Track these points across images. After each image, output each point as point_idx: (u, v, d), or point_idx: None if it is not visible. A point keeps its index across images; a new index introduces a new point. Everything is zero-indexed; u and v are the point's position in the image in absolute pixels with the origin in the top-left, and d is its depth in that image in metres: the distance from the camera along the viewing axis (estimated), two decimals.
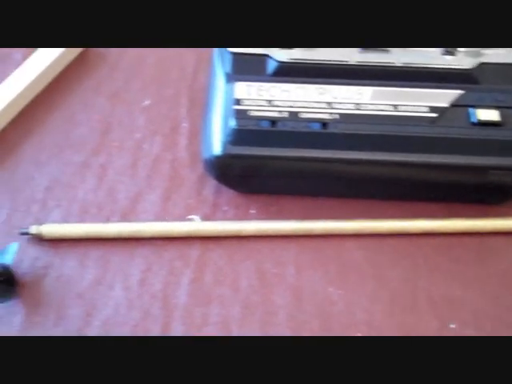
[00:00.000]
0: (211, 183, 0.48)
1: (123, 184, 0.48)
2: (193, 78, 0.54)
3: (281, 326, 0.42)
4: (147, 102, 0.52)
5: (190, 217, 0.46)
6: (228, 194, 0.47)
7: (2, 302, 0.42)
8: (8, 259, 0.42)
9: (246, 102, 0.44)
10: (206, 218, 0.46)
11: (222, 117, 0.44)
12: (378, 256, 0.45)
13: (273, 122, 0.43)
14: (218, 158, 0.44)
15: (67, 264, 0.44)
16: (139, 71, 0.54)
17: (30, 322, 0.42)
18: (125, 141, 0.50)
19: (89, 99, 0.52)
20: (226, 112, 0.44)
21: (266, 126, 0.43)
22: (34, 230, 0.44)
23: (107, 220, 0.46)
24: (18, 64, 0.53)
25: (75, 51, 0.54)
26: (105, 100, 0.52)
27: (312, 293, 0.43)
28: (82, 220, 0.46)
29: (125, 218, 0.46)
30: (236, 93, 0.44)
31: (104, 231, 0.45)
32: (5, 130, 0.50)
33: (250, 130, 0.43)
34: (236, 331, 0.41)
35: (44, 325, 0.42)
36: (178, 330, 0.41)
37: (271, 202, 0.47)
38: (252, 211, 0.46)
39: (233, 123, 0.43)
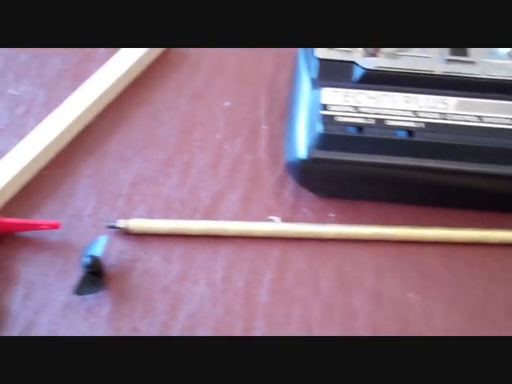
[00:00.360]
0: (290, 185, 0.49)
1: (205, 183, 0.49)
2: (272, 81, 0.55)
3: (360, 329, 0.43)
4: (227, 103, 0.53)
5: (270, 217, 0.47)
6: (307, 196, 0.48)
7: (91, 293, 0.44)
8: (97, 251, 0.44)
9: (333, 108, 0.45)
10: (285, 219, 0.47)
11: (308, 121, 0.45)
12: (457, 264, 0.45)
13: (359, 128, 0.44)
14: (302, 161, 0.45)
15: (153, 258, 0.45)
16: (219, 72, 0.55)
17: (118, 313, 0.43)
18: (206, 141, 0.51)
19: (171, 99, 0.54)
20: (311, 117, 0.45)
21: (352, 131, 0.44)
22: (121, 223, 0.46)
23: (190, 217, 0.47)
24: (101, 61, 0.55)
25: (157, 51, 0.56)
26: (186, 100, 0.53)
27: (391, 297, 0.44)
28: (165, 216, 0.47)
29: (207, 215, 0.47)
30: (323, 98, 0.45)
31: (189, 228, 0.46)
32: (90, 125, 0.52)
33: (336, 136, 0.44)
34: (317, 332, 0.42)
35: (131, 317, 0.43)
36: (260, 327, 0.42)
37: (350, 207, 0.48)
38: (331, 215, 0.47)
39: (319, 128, 0.44)
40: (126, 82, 0.54)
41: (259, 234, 0.46)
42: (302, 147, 0.45)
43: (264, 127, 0.52)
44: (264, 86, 0.55)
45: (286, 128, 0.49)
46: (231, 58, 0.56)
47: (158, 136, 0.51)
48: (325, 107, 0.45)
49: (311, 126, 0.45)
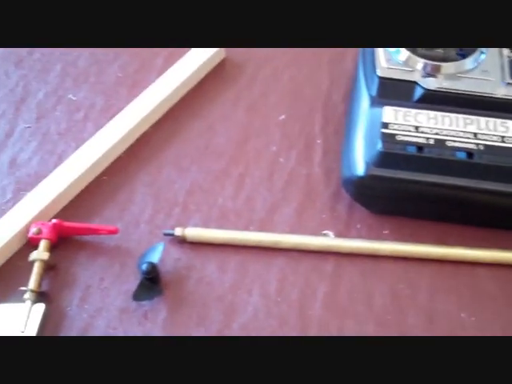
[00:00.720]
0: (344, 201, 0.49)
1: (260, 194, 0.50)
2: (327, 96, 0.55)
3: None
4: (283, 117, 0.54)
5: (324, 232, 0.47)
6: (361, 212, 0.49)
7: (148, 299, 0.44)
8: (155, 258, 0.45)
9: (394, 127, 0.45)
10: (338, 234, 0.47)
11: (367, 138, 0.46)
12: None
13: (419, 147, 0.44)
14: (360, 178, 0.45)
15: (207, 267, 0.46)
16: (275, 85, 0.56)
17: (173, 320, 0.44)
18: (262, 153, 0.52)
19: (227, 110, 0.54)
20: (371, 134, 0.46)
21: (412, 151, 0.44)
22: (178, 232, 0.46)
23: (245, 228, 0.48)
24: (158, 71, 0.56)
25: (214, 62, 0.56)
26: (243, 112, 0.54)
27: (444, 317, 0.44)
28: (220, 226, 0.48)
29: (262, 227, 0.48)
30: (384, 116, 0.45)
31: (245, 239, 0.46)
32: (147, 134, 0.53)
33: (396, 154, 0.44)
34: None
35: (186, 324, 0.44)
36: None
37: (405, 225, 0.48)
38: (385, 232, 0.48)
39: (379, 146, 0.44)
40: (183, 92, 0.55)
41: (314, 248, 0.46)
42: (360, 164, 0.45)
43: (319, 142, 0.52)
44: (319, 101, 0.55)
45: (343, 144, 0.49)
46: (286, 71, 0.57)
47: (213, 146, 0.52)
48: (386, 125, 0.45)
49: (370, 144, 0.45)
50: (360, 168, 0.45)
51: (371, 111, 0.47)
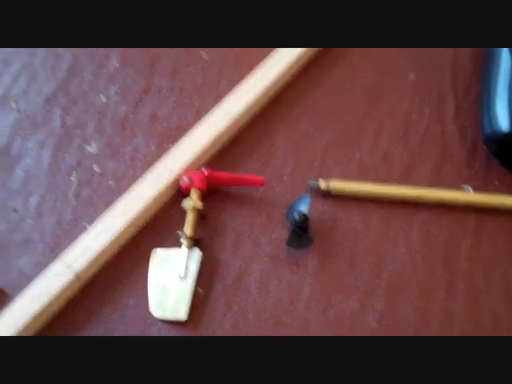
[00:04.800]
0: (481, 158, 0.50)
1: (397, 150, 0.51)
2: (454, 53, 0.56)
3: None
4: (412, 76, 0.55)
5: (464, 186, 0.48)
6: (499, 170, 0.49)
7: (300, 247, 0.46)
8: (304, 208, 0.46)
9: None
10: (476, 190, 0.48)
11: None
12: None
13: None
14: (505, 134, 0.46)
15: (352, 220, 0.47)
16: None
17: (324, 268, 0.45)
18: (395, 110, 0.53)
19: (357, 68, 0.55)
20: None
21: None
22: (323, 184, 0.48)
23: (384, 182, 0.49)
24: None
25: None
26: (372, 70, 0.55)
27: None
28: (360, 180, 0.49)
29: (401, 181, 0.49)
30: None
31: (388, 193, 0.48)
32: (282, 89, 0.54)
33: None
34: None
35: (337, 273, 0.45)
36: (460, 293, 0.44)
37: None
38: None
39: None
40: (314, 52, 0.56)
41: (455, 203, 0.47)
42: (504, 120, 0.46)
43: (450, 100, 0.53)
44: (448, 58, 0.56)
45: (483, 100, 0.50)
46: None
47: (346, 103, 0.53)
48: None
49: None
50: (505, 125, 0.46)
51: None
